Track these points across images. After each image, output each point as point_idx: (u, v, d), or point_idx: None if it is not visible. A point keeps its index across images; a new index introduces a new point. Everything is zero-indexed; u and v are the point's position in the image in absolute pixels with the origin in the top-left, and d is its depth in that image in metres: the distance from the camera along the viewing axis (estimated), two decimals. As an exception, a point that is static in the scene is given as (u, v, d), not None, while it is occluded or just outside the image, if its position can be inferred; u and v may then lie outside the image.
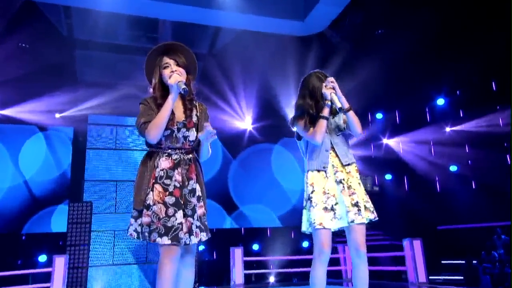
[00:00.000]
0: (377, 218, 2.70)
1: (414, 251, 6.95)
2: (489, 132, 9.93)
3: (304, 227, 2.75)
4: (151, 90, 2.52)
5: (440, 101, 11.23)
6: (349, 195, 2.64)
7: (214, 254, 10.31)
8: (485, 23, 8.22)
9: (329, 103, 2.68)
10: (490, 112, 9.81)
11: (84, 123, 9.81)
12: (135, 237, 2.39)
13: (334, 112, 2.86)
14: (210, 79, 9.87)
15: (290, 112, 11.61)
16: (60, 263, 6.62)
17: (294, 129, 2.88)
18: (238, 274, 7.54)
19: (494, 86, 9.94)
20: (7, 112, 9.33)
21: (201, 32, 9.34)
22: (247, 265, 7.98)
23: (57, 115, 9.54)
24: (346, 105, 2.65)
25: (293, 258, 9.44)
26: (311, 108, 2.76)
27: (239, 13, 8.02)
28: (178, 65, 2.43)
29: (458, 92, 10.90)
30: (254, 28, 8.89)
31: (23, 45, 8.42)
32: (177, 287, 2.36)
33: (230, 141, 11.25)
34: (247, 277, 8.03)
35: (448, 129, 11.01)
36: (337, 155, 2.74)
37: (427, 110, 11.60)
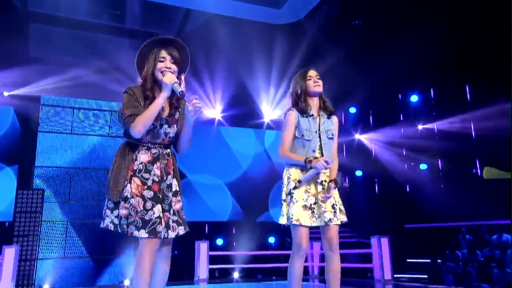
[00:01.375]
0: (346, 220, 2.89)
1: (381, 248, 7.24)
2: (460, 131, 10.29)
3: (282, 221, 2.89)
4: (139, 79, 2.56)
5: (414, 98, 11.60)
6: (326, 198, 2.82)
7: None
8: (460, 20, 8.54)
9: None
10: (462, 111, 10.16)
11: (36, 103, 9.58)
12: (112, 229, 2.44)
13: (330, 112, 3.01)
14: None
15: (260, 101, 11.73)
16: (10, 254, 6.37)
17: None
18: (202, 269, 7.60)
19: (467, 86, 10.36)
20: None
21: (171, 13, 9.28)
22: (211, 259, 8.09)
23: (5, 93, 9.26)
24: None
25: (259, 253, 9.62)
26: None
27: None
28: (173, 61, 2.49)
29: (431, 89, 11.24)
30: (228, 13, 8.90)
31: None
32: (153, 279, 2.45)
33: (197, 130, 11.28)
34: (210, 272, 8.14)
35: (420, 126, 11.37)
36: (323, 157, 2.87)
37: (400, 106, 11.96)
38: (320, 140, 2.97)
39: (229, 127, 11.67)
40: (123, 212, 2.40)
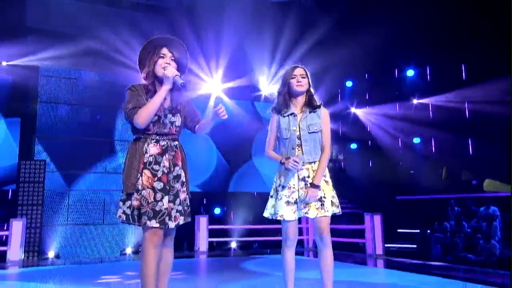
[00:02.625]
0: (340, 213, 3.00)
1: (374, 225, 7.63)
2: (454, 107, 10.41)
3: (266, 214, 3.05)
4: (142, 74, 2.69)
5: (410, 72, 11.63)
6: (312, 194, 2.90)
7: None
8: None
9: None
10: (458, 87, 10.21)
11: (35, 74, 9.61)
12: (124, 219, 2.55)
13: (315, 107, 3.04)
14: (178, 35, 9.88)
15: (260, 76, 11.75)
16: (17, 226, 6.77)
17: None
18: (202, 241, 8.10)
19: (463, 65, 10.41)
20: None
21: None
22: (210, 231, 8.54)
23: (4, 63, 9.27)
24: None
25: (255, 227, 9.89)
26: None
27: None
28: (173, 58, 2.65)
29: (427, 65, 11.27)
30: None
31: None
32: (159, 268, 2.60)
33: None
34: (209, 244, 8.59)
35: (415, 101, 11.44)
36: (303, 153, 2.95)
37: (396, 81, 11.98)
38: (301, 137, 3.01)
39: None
40: (135, 203, 2.53)
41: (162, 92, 2.55)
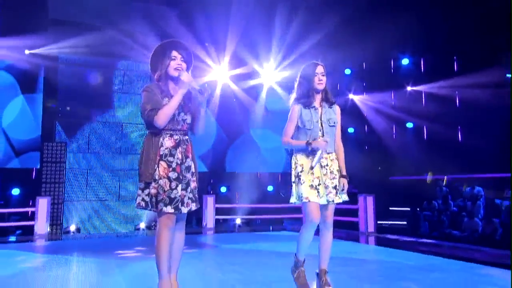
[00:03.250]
0: (348, 199, 3.11)
1: (366, 205, 7.81)
2: (443, 92, 10.36)
3: (293, 200, 3.10)
4: (156, 76, 2.78)
5: (405, 61, 11.50)
6: (331, 179, 3.04)
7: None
8: None
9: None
10: (448, 75, 10.16)
11: (55, 62, 9.71)
12: (143, 206, 2.66)
13: (331, 102, 3.14)
14: (189, 24, 9.87)
15: (265, 63, 11.61)
16: (43, 203, 7.02)
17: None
18: (210, 219, 8.33)
19: (455, 54, 10.31)
20: None
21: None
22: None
23: (27, 51, 9.27)
24: None
25: (259, 206, 10.12)
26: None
27: None
28: (183, 59, 2.75)
29: (421, 54, 11.12)
30: None
31: None
32: (171, 249, 2.71)
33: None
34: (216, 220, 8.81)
35: (409, 88, 11.34)
36: (325, 146, 2.99)
37: (391, 69, 11.83)
38: (322, 128, 3.08)
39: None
40: (153, 191, 2.62)
41: (179, 96, 2.66)
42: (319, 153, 2.93)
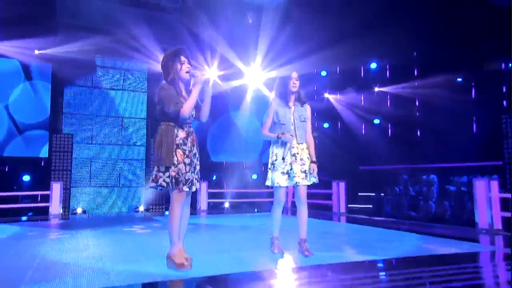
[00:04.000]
0: (317, 182, 3.43)
1: (339, 190, 8.15)
2: (406, 93, 10.56)
3: (268, 183, 3.46)
4: (168, 78, 3.01)
5: (373, 65, 11.60)
6: (300, 165, 3.38)
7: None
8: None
9: None
10: (410, 78, 10.41)
11: (63, 62, 9.65)
12: (164, 186, 2.87)
13: (303, 102, 3.46)
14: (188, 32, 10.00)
15: (252, 63, 11.72)
16: (56, 187, 7.22)
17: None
18: (203, 202, 8.67)
19: (415, 55, 10.52)
20: None
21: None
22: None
23: (36, 52, 9.25)
24: None
25: (244, 191, 10.39)
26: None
27: None
28: (189, 62, 3.04)
29: (387, 59, 11.23)
30: None
31: None
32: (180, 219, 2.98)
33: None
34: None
35: (376, 89, 11.43)
36: (295, 136, 3.38)
37: (361, 72, 11.95)
38: (294, 123, 3.40)
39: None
40: (173, 174, 2.85)
41: (197, 91, 2.94)
42: (288, 145, 3.27)
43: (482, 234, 5.15)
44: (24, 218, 7.63)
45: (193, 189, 2.99)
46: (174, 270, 2.87)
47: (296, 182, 3.32)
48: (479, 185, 5.41)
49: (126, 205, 10.13)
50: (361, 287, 2.46)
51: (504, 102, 8.60)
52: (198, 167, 3.08)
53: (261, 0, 9.48)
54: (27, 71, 9.44)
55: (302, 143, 3.42)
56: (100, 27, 9.34)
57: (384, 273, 3.11)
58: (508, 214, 5.41)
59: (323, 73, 12.55)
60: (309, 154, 3.43)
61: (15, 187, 8.67)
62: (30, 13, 8.46)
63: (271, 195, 9.65)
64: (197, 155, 3.09)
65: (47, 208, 7.45)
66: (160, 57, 10.46)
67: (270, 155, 3.46)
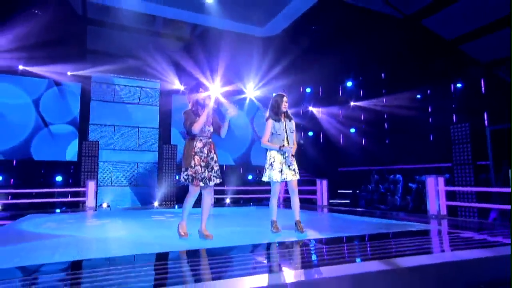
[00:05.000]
0: (299, 178, 3.80)
1: (322, 186, 8.52)
2: (376, 107, 11.08)
3: (265, 178, 3.83)
4: (190, 104, 3.50)
5: (349, 84, 12.07)
6: (289, 166, 3.81)
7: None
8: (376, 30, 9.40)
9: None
10: (379, 95, 10.95)
11: (89, 81, 10.27)
12: (184, 181, 3.41)
13: (290, 118, 3.86)
14: (194, 56, 10.45)
15: (247, 83, 12.25)
16: (92, 185, 7.67)
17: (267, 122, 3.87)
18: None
19: (384, 78, 11.03)
20: (31, 68, 9.47)
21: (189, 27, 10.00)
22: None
23: (69, 73, 9.74)
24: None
25: (242, 188, 10.71)
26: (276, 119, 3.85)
27: (221, 18, 8.82)
28: (203, 91, 3.54)
29: (361, 78, 11.78)
30: (227, 28, 9.60)
31: (50, 24, 8.51)
32: (203, 207, 3.49)
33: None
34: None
35: (352, 103, 11.95)
36: (287, 143, 3.82)
37: (339, 89, 12.39)
38: (286, 134, 3.79)
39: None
40: (190, 173, 3.39)
41: (205, 115, 3.45)
42: (287, 153, 3.73)
43: (432, 218, 5.63)
44: (57, 210, 7.94)
45: (211, 183, 3.48)
46: (178, 236, 3.59)
47: (288, 179, 3.77)
48: (430, 181, 5.93)
49: (143, 201, 10.53)
50: (339, 254, 3.02)
51: (454, 115, 9.26)
52: (216, 168, 3.55)
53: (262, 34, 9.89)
54: (60, 89, 9.88)
55: (291, 148, 3.85)
56: (121, 53, 9.86)
57: (357, 243, 3.65)
58: (452, 203, 6.04)
59: (308, 90, 12.93)
60: (293, 151, 3.85)
61: (50, 185, 9.10)
62: (64, 41, 8.94)
63: (263, 191, 10.09)
64: (215, 159, 3.57)
65: (78, 202, 7.93)
66: (170, 77, 11.04)
67: (268, 158, 3.82)
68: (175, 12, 8.76)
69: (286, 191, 7.53)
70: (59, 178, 9.63)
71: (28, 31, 8.00)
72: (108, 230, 4.79)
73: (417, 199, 8.40)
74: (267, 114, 3.97)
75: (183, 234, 3.61)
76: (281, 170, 3.77)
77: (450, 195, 6.17)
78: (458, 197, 7.04)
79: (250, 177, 12.60)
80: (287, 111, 3.92)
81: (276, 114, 3.85)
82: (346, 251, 3.12)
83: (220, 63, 10.76)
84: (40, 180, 9.45)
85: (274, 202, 3.91)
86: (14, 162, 9.36)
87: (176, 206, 9.38)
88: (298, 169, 3.95)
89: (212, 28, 9.73)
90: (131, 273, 2.38)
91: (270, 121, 3.82)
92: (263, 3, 8.77)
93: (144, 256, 2.99)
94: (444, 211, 5.76)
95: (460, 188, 6.76)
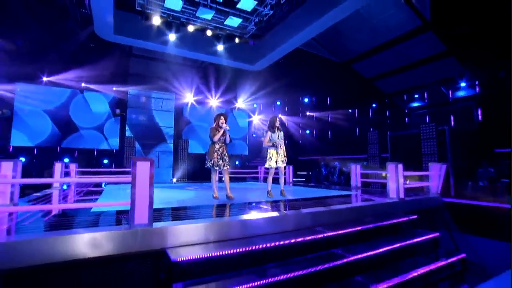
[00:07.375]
0: (285, 166, 4.62)
1: (289, 170, 9.18)
2: (323, 117, 11.97)
3: (267, 165, 4.53)
4: (215, 124, 4.30)
5: (306, 99, 12.97)
6: (281, 158, 4.56)
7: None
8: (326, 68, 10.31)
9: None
10: (325, 109, 11.86)
11: (126, 95, 10.83)
12: (209, 166, 4.18)
13: (280, 130, 4.65)
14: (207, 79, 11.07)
15: (236, 98, 12.86)
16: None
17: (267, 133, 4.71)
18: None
19: (329, 98, 11.93)
20: (92, 86, 9.82)
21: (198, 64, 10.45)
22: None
23: (114, 88, 10.28)
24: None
25: (244, 171, 11.18)
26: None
27: (224, 58, 9.47)
28: (224, 119, 4.41)
29: (314, 97, 12.65)
30: (231, 65, 10.20)
31: (103, 59, 8.97)
32: (224, 181, 4.30)
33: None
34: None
35: (308, 113, 12.75)
36: (280, 146, 4.69)
37: (300, 104, 13.17)
38: (280, 140, 4.52)
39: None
40: (211, 162, 4.21)
41: (221, 132, 4.28)
42: (280, 151, 4.66)
43: (353, 189, 6.56)
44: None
45: (224, 168, 4.32)
46: (213, 198, 4.47)
47: (282, 165, 4.66)
48: (353, 167, 6.60)
49: (165, 177, 11.12)
50: (304, 205, 4.13)
51: (370, 126, 10.56)
52: (227, 159, 4.45)
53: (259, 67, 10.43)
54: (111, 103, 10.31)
55: (282, 148, 4.76)
56: (153, 75, 10.48)
57: (312, 201, 4.71)
58: (365, 180, 7.42)
59: (278, 103, 13.75)
60: (285, 152, 4.76)
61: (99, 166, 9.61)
62: (112, 69, 9.47)
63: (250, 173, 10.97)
64: (227, 154, 4.47)
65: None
66: (183, 93, 11.79)
67: (268, 153, 4.72)
68: (193, 54, 9.46)
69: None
70: (105, 161, 10.27)
71: (90, 62, 8.58)
72: (167, 197, 4.97)
73: (346, 178, 9.50)
74: (267, 127, 4.75)
75: (216, 196, 4.63)
76: (276, 161, 4.58)
77: (364, 175, 7.45)
78: (370, 176, 8.46)
79: (237, 162, 13.30)
80: (279, 126, 4.77)
81: (272, 127, 4.61)
82: (307, 204, 4.30)
83: (221, 85, 11.63)
84: (93, 163, 10.00)
85: (270, 179, 4.68)
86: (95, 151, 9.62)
87: (191, 181, 9.86)
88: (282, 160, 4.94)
89: (217, 64, 10.38)
90: (197, 209, 3.58)
91: (269, 132, 4.56)
92: (254, 50, 9.49)
93: (201, 206, 4.08)
94: (359, 184, 6.77)
95: (371, 171, 8.17)
